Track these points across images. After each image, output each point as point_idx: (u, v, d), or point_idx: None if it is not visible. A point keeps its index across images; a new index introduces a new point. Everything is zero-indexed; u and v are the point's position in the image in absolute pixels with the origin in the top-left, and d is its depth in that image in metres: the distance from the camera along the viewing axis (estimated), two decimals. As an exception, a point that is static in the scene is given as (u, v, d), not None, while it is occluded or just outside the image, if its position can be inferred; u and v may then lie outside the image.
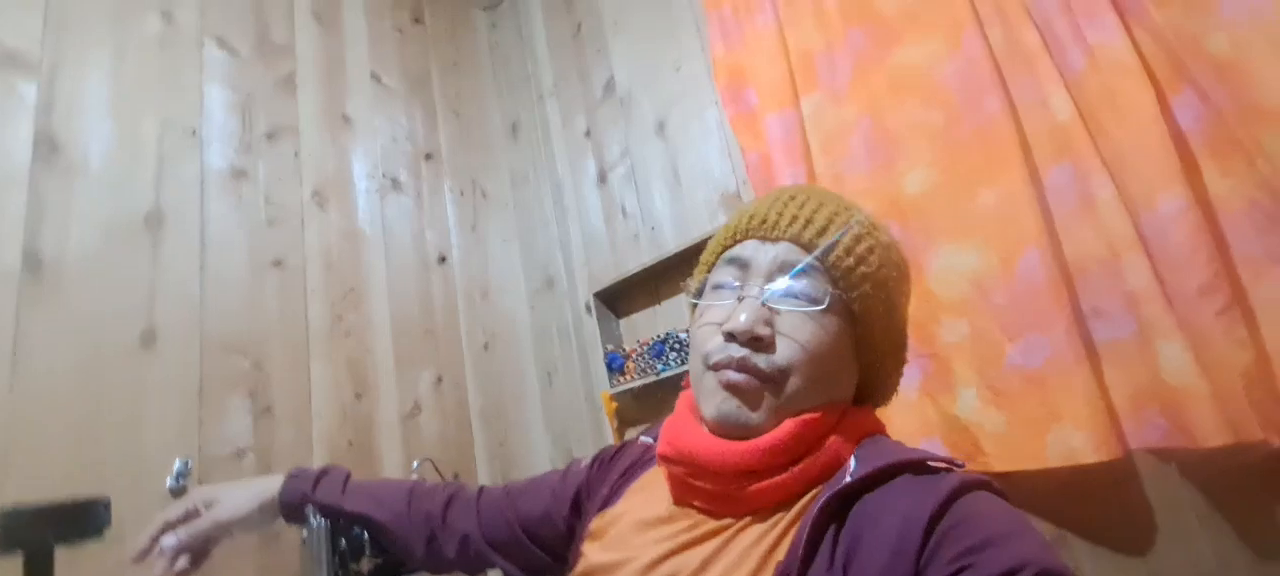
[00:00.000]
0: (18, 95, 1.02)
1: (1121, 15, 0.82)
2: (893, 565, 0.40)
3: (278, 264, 1.26)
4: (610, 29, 1.61)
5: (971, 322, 0.94)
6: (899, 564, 0.40)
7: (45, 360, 0.96)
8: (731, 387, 0.49)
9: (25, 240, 0.98)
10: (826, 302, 0.49)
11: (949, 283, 0.97)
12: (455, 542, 0.71)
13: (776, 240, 0.52)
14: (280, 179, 1.32)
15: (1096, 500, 0.89)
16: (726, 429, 0.49)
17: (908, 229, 1.01)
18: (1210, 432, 0.74)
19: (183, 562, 0.71)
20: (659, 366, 1.32)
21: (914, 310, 0.98)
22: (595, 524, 0.58)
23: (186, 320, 1.12)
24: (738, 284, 0.53)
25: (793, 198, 0.54)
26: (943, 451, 0.47)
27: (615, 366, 1.41)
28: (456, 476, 1.39)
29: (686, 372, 0.60)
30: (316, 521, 0.79)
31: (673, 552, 0.49)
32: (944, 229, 0.98)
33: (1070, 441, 0.85)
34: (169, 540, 0.71)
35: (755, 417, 0.49)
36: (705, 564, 0.46)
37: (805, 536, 0.43)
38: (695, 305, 0.58)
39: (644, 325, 1.46)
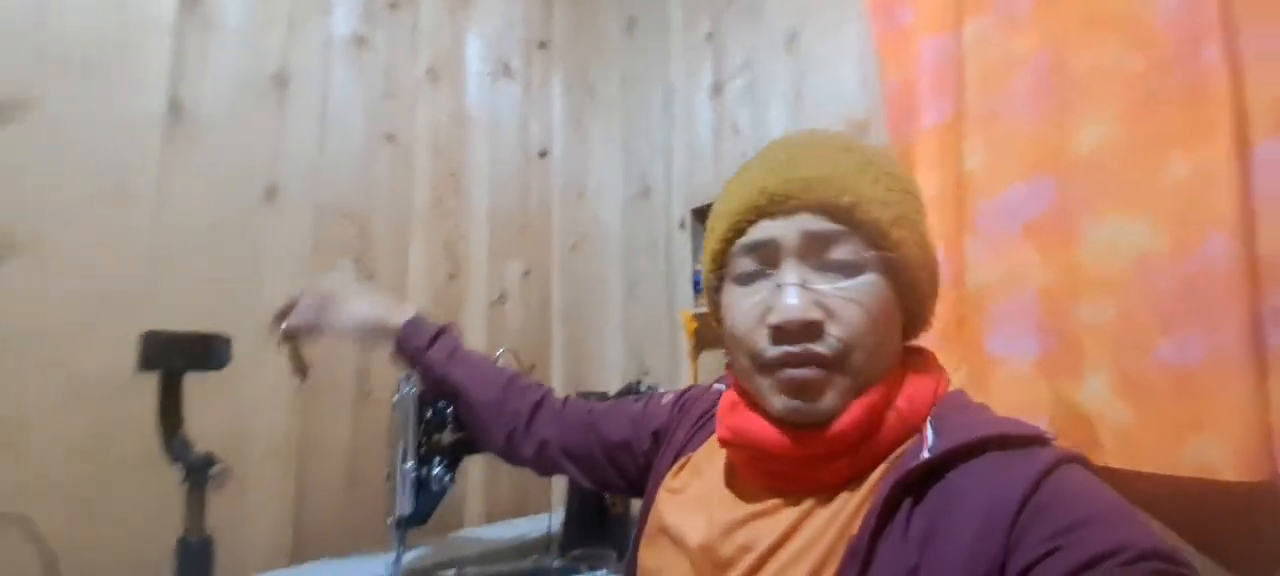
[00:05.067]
0: (167, -60, 1.05)
1: None
2: (978, 548, 0.38)
3: (390, 138, 1.29)
4: (749, -80, 1.45)
5: (1121, 305, 0.82)
6: (985, 547, 0.38)
7: (183, 202, 1.04)
8: (795, 386, 0.46)
9: (170, 86, 1.04)
10: (864, 265, 0.47)
11: (1104, 258, 0.84)
12: (533, 445, 0.73)
13: (793, 212, 0.48)
14: (398, 51, 1.32)
15: (1221, 520, 0.79)
16: (798, 425, 0.47)
17: (1066, 189, 0.88)
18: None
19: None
20: (749, 296, 1.27)
21: (1049, 284, 0.88)
22: (672, 477, 0.58)
23: (304, 181, 1.17)
24: (769, 271, 0.49)
25: (792, 159, 0.49)
26: (1028, 423, 0.43)
27: (701, 287, 1.37)
28: (533, 369, 1.43)
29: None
30: (408, 388, 0.83)
31: (746, 520, 0.48)
32: (1114, 197, 0.84)
33: (1210, 453, 0.75)
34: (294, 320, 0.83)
35: (824, 404, 0.46)
36: (783, 538, 0.46)
37: (877, 511, 0.42)
38: (716, 299, 0.54)
39: (738, 250, 1.40)
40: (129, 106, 0.99)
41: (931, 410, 0.48)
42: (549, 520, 1.12)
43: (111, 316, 0.95)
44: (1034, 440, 0.43)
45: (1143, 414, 0.80)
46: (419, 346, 0.77)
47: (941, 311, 0.94)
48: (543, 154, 1.57)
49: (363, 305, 0.81)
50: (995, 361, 0.94)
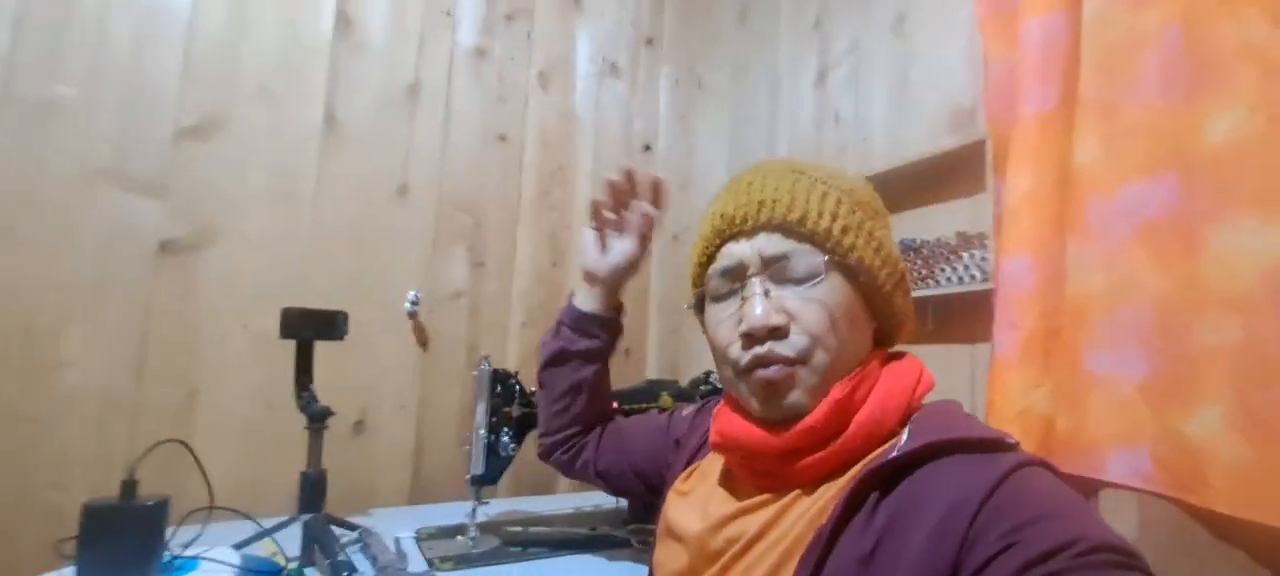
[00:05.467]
0: (324, -24, 1.27)
1: None
2: (933, 543, 0.40)
3: (502, 138, 1.43)
4: (861, -103, 1.37)
5: (1248, 326, 0.69)
6: (940, 544, 0.40)
7: (334, 200, 1.26)
8: (766, 386, 0.50)
9: (326, 100, 1.26)
10: (821, 271, 0.50)
11: (1231, 268, 0.71)
12: (577, 465, 0.84)
13: (753, 234, 0.53)
14: (513, 59, 1.46)
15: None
16: (775, 422, 0.51)
17: (1189, 185, 0.75)
18: None
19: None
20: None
21: (1165, 296, 0.76)
22: (682, 482, 0.64)
23: (429, 179, 1.35)
24: (737, 287, 0.53)
25: (749, 184, 0.55)
26: (996, 429, 0.43)
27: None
28: (628, 352, 1.51)
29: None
30: (485, 366, 0.95)
31: (737, 515, 0.52)
32: (1246, 196, 0.70)
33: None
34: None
35: (793, 399, 0.50)
36: (763, 529, 0.50)
37: (843, 501, 0.45)
38: (701, 318, 0.59)
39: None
40: (295, 121, 1.23)
41: (910, 411, 0.51)
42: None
43: (282, 291, 1.19)
44: (998, 445, 0.45)
45: (1263, 455, 0.67)
46: (597, 312, 0.82)
47: (1030, 320, 0.86)
48: (646, 148, 1.63)
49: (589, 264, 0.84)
50: (1095, 380, 0.83)
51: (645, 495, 0.78)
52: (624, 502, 1.16)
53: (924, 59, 1.19)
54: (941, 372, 1.03)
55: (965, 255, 0.99)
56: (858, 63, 1.35)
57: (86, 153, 1.07)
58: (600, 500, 1.32)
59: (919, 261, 1.06)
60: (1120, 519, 0.83)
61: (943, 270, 1.02)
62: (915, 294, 1.07)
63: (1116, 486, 0.81)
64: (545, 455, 0.86)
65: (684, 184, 1.69)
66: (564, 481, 1.48)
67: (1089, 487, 0.84)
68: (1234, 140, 0.71)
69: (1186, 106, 0.76)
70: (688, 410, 0.77)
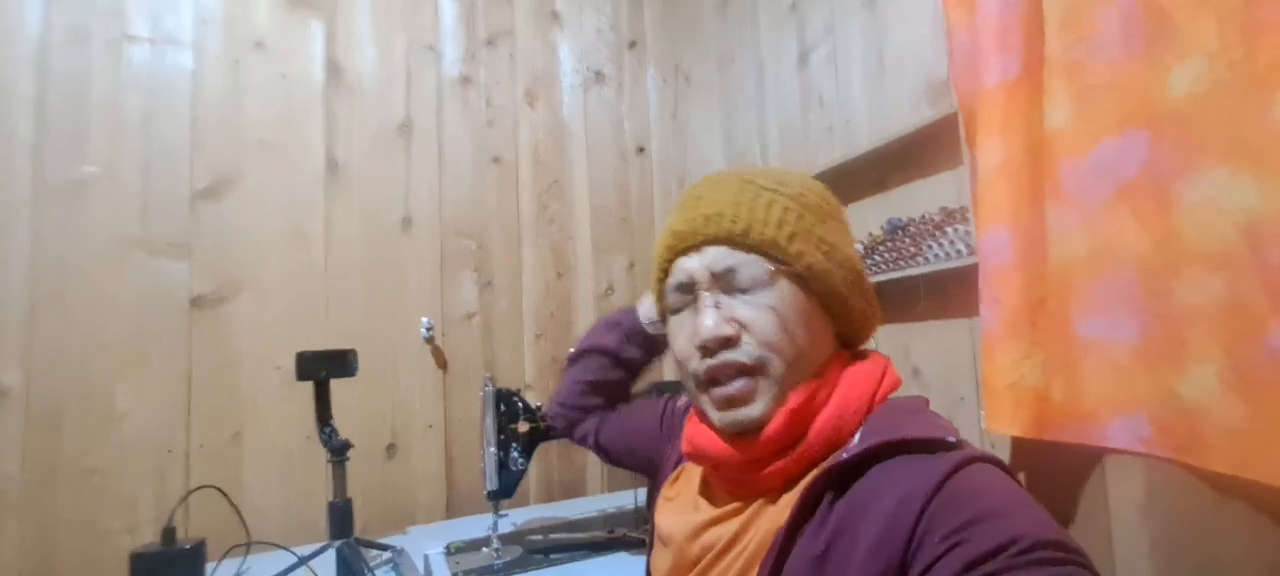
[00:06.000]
0: (311, 31, 1.33)
1: None
2: (880, 543, 0.41)
3: (496, 160, 1.48)
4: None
5: (1229, 282, 0.68)
6: (887, 543, 0.41)
7: (343, 239, 1.32)
8: (725, 400, 0.51)
9: (325, 147, 1.32)
10: (769, 280, 0.51)
11: (1206, 223, 0.70)
12: (576, 433, 0.87)
13: (701, 248, 0.53)
14: (498, 82, 1.50)
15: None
16: (735, 434, 0.52)
17: (1159, 143, 0.74)
18: None
19: None
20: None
21: (1146, 256, 0.75)
22: (669, 487, 0.66)
23: (430, 209, 1.41)
24: (690, 300, 0.54)
25: (698, 198, 0.56)
26: (946, 426, 0.42)
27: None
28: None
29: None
30: (489, 387, 1.00)
31: (710, 524, 0.54)
32: (1215, 148, 0.69)
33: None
34: None
35: (755, 411, 0.51)
36: (733, 539, 0.52)
37: (797, 503, 0.46)
38: (665, 331, 0.59)
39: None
40: (299, 169, 1.30)
41: (869, 412, 0.51)
42: (635, 496, 1.23)
43: (305, 330, 1.27)
44: (941, 443, 0.45)
45: (1259, 412, 0.66)
46: (656, 332, 0.84)
47: (1012, 292, 0.86)
48: (640, 150, 1.65)
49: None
50: (1087, 346, 0.83)
51: (642, 473, 0.82)
52: (642, 502, 1.20)
53: (897, 33, 1.18)
54: (942, 348, 1.05)
55: (950, 230, 0.98)
56: (835, 42, 1.34)
57: (115, 223, 1.16)
58: (624, 501, 1.36)
59: (907, 240, 1.06)
60: (1126, 485, 0.82)
61: (930, 247, 1.02)
62: (907, 273, 1.07)
63: (1120, 452, 0.80)
64: (554, 418, 0.89)
65: (681, 181, 1.70)
66: (593, 483, 1.53)
67: (1093, 455, 0.84)
68: (1196, 92, 0.70)
69: (1149, 61, 0.75)
70: (682, 401, 0.79)
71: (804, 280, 0.52)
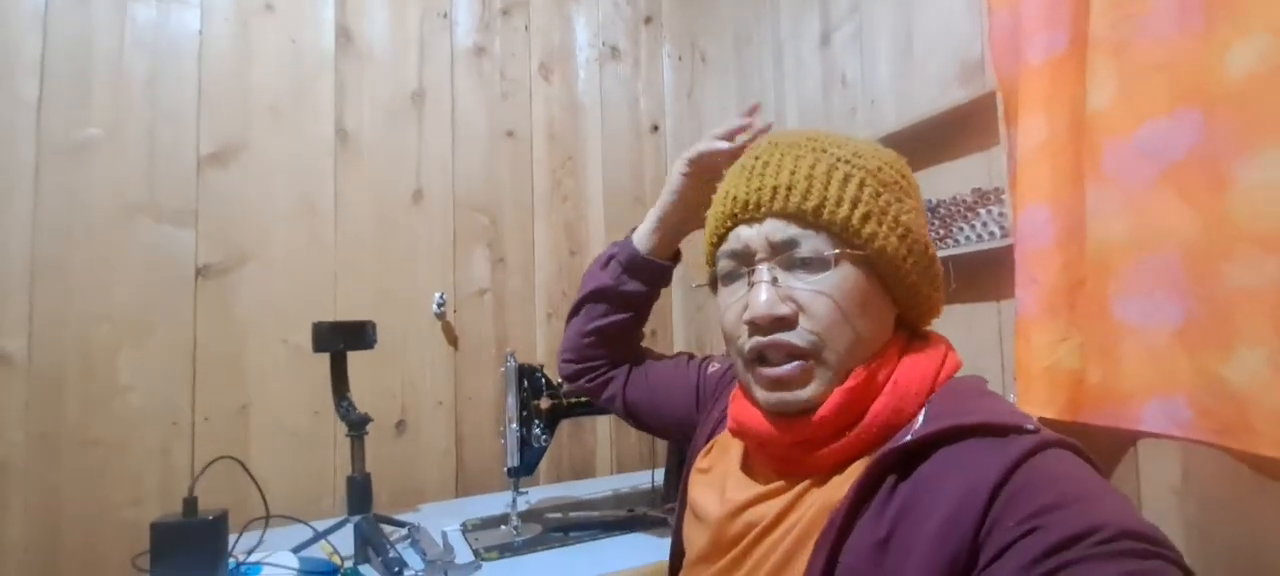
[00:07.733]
0: (321, -6, 1.29)
1: None
2: (948, 528, 0.39)
3: (510, 134, 1.44)
4: None
5: (1283, 265, 0.67)
6: (955, 529, 0.39)
7: (353, 211, 1.29)
8: (773, 381, 0.49)
9: (335, 116, 1.28)
10: (834, 261, 0.48)
11: (1260, 205, 0.69)
12: (603, 395, 0.84)
13: (762, 219, 0.50)
14: (513, 54, 1.46)
15: None
16: (781, 415, 0.50)
17: (1213, 121, 0.72)
18: None
19: None
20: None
21: (1193, 239, 0.74)
22: (702, 458, 0.64)
23: (443, 182, 1.37)
24: (744, 270, 0.51)
25: (765, 165, 0.51)
26: (1018, 412, 0.40)
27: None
28: (653, 333, 1.53)
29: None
30: (510, 363, 0.98)
31: (754, 501, 0.52)
32: (1274, 127, 0.68)
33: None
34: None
35: (805, 394, 0.48)
36: (779, 517, 0.50)
37: (857, 485, 0.44)
38: (715, 297, 0.56)
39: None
40: (308, 138, 1.26)
41: (930, 395, 0.48)
42: (652, 475, 1.22)
43: (313, 304, 1.23)
44: (1016, 428, 0.43)
45: (1310, 396, 0.66)
46: (653, 256, 0.79)
47: (1051, 273, 0.85)
48: (654, 128, 1.63)
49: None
50: (1126, 330, 0.82)
51: (669, 438, 0.80)
52: (659, 481, 1.19)
53: (927, 12, 1.16)
54: (969, 332, 1.04)
55: (982, 211, 0.97)
56: (861, 21, 1.31)
57: (120, 188, 1.12)
58: (637, 481, 1.35)
59: (936, 222, 1.05)
60: (1161, 469, 0.82)
61: (960, 228, 1.00)
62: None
63: (1155, 436, 0.80)
64: (570, 379, 0.83)
65: (696, 160, 1.68)
66: (604, 464, 1.51)
67: (1126, 439, 0.83)
68: (1258, 71, 0.68)
69: (1206, 39, 0.73)
70: (715, 366, 0.76)
71: (869, 263, 0.49)
